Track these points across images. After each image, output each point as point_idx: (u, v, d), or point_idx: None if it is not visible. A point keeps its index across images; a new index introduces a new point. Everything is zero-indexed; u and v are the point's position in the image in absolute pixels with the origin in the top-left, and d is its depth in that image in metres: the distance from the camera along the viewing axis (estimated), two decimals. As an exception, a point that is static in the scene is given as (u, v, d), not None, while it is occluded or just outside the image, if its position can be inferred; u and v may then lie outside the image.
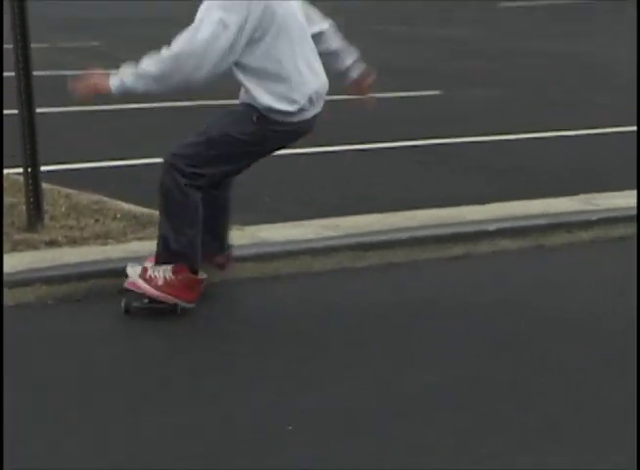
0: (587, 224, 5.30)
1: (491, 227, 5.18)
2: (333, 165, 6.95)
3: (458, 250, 5.07)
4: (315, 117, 4.46)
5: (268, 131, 4.34)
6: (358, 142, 7.55)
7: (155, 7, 16.81)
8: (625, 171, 6.39)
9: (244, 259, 4.75)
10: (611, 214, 5.42)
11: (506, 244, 5.14)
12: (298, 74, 4.31)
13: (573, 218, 5.42)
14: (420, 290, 4.71)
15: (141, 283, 4.35)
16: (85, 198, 5.60)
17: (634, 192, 5.75)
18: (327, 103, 4.51)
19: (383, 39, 13.69)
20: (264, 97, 4.29)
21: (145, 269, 4.35)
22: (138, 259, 4.49)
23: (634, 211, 5.41)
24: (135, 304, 4.36)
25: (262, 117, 4.33)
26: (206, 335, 4.28)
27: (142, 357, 4.00)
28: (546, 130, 8.05)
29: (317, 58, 4.47)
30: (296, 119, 4.35)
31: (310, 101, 4.36)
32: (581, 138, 7.95)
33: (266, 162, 4.58)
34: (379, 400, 3.53)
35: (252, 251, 4.88)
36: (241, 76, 4.34)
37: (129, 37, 12.95)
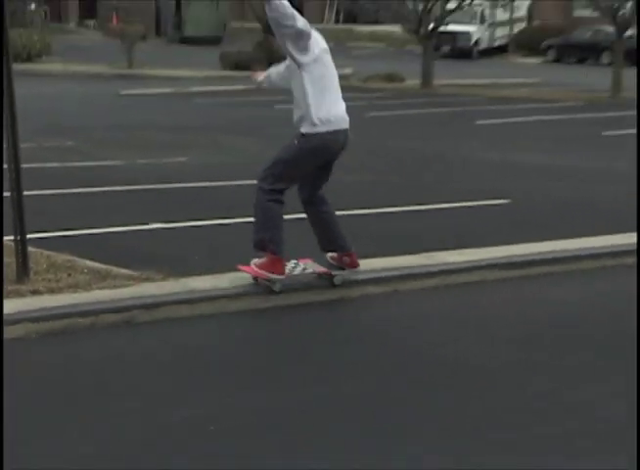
0: (430, 274, 6.97)
1: (360, 277, 6.76)
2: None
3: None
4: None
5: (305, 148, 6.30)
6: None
7: (119, 116, 18.54)
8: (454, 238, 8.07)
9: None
10: (447, 267, 7.09)
11: (371, 289, 6.82)
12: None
13: (421, 271, 6.99)
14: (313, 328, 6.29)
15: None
16: (61, 258, 6.90)
17: (468, 250, 7.47)
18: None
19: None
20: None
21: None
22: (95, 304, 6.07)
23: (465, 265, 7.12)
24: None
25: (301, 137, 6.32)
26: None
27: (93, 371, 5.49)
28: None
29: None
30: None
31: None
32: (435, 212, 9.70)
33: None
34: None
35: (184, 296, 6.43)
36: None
37: (97, 139, 14.43)
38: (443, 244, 7.76)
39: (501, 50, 42.10)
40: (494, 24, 41.14)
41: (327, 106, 6.23)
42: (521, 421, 4.66)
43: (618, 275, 7.44)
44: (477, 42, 39.77)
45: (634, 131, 15.05)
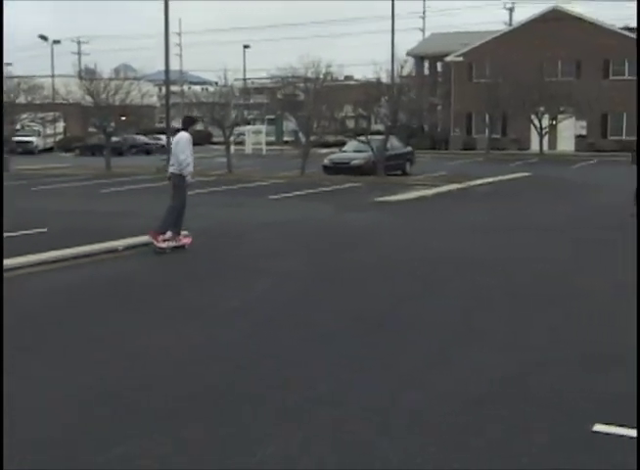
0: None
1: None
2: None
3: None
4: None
5: None
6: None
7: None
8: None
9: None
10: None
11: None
12: None
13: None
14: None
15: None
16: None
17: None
18: None
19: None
20: None
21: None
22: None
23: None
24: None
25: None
26: None
27: None
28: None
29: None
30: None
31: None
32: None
33: None
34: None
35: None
36: None
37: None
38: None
39: (50, 149, 65.12)
40: (45, 136, 64.40)
41: None
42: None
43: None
44: (37, 146, 62.79)
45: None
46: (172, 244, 14.31)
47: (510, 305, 9.85)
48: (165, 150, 38.64)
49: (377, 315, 9.33)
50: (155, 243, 14.10)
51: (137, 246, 14.42)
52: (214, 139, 72.88)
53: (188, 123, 14.87)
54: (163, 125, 50.00)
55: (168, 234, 14.32)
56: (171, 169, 14.61)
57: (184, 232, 14.68)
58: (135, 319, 9.14)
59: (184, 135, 14.56)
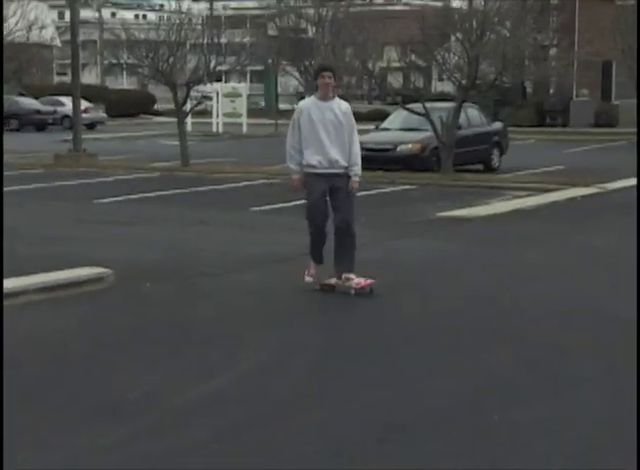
0: None
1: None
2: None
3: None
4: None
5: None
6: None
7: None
8: None
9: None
10: None
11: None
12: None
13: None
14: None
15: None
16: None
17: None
18: None
19: None
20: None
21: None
22: None
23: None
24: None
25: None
26: None
27: None
28: None
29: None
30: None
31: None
32: None
33: None
34: None
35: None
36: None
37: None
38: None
39: None
40: None
41: None
42: None
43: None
44: None
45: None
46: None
47: None
48: (72, 122, 27.39)
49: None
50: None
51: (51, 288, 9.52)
52: (159, 106, 49.63)
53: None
54: (68, 80, 34.08)
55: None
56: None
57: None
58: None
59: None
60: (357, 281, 9.50)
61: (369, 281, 9.56)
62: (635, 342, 7.62)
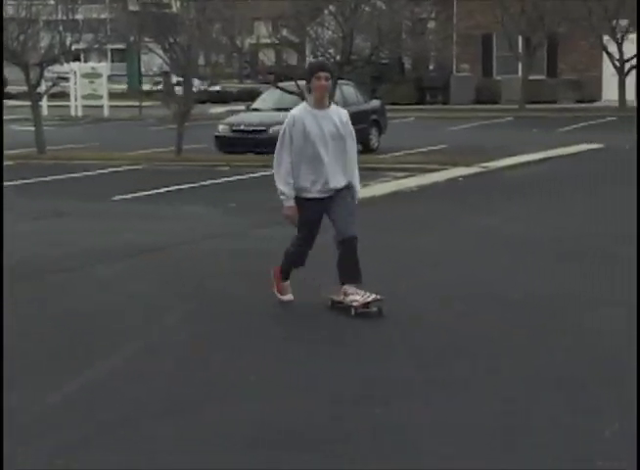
0: None
1: None
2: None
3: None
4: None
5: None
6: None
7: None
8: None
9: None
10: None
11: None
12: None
13: None
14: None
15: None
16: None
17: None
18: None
19: None
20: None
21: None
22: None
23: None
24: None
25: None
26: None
27: None
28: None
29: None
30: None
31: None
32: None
33: None
34: None
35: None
36: None
37: None
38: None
39: None
40: None
41: None
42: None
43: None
44: None
45: None
46: None
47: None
48: None
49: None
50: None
51: None
52: (11, 88, 44.98)
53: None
54: None
55: None
56: None
57: None
58: None
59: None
60: (354, 298, 8.22)
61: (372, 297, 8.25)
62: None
